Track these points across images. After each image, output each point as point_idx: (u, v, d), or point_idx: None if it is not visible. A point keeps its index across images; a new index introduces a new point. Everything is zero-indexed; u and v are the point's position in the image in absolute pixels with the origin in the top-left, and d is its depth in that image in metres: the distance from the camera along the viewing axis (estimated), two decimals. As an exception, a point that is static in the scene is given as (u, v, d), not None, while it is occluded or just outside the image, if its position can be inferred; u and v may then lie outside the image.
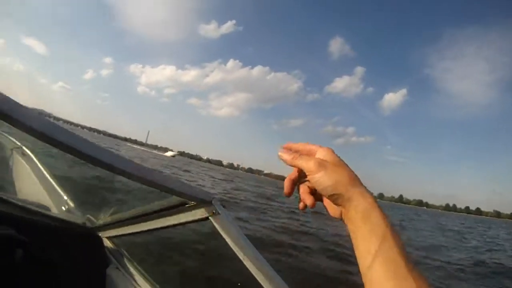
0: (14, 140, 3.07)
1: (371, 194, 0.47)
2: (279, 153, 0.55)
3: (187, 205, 1.08)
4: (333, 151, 0.52)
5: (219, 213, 1.01)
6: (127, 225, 1.46)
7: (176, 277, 3.77)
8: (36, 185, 2.32)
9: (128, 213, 1.43)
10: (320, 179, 0.48)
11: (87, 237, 1.55)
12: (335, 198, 0.47)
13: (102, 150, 0.72)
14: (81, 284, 1.30)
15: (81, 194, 5.00)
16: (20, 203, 1.50)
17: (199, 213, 1.06)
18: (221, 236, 1.03)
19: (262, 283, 0.95)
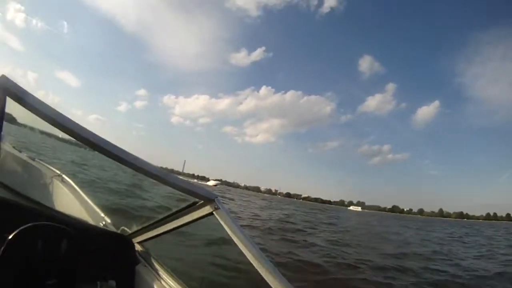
0: (54, 168, 3.50)
1: None
2: None
3: (196, 204, 1.36)
4: None
5: (220, 208, 1.28)
6: (152, 229, 1.76)
7: (194, 270, 4.14)
8: (76, 205, 2.69)
9: (152, 220, 1.74)
10: None
11: (120, 241, 1.87)
12: None
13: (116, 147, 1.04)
14: (114, 275, 1.57)
15: (117, 212, 5.58)
16: (64, 214, 1.84)
17: (206, 210, 1.33)
18: (222, 227, 1.28)
19: (252, 262, 1.17)
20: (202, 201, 1.33)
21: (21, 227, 1.28)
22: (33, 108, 0.98)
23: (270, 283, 1.13)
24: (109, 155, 1.10)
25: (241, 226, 1.29)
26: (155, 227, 1.73)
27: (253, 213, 16.69)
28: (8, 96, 1.04)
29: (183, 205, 1.47)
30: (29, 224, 1.31)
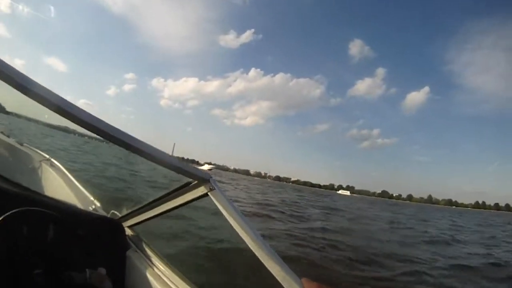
0: (42, 153, 3.43)
1: None
2: None
3: (190, 185, 1.29)
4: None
5: (215, 189, 1.20)
6: (143, 212, 1.68)
7: (187, 254, 4.13)
8: (65, 189, 2.62)
9: (143, 203, 1.66)
10: None
11: (110, 226, 1.80)
12: None
13: (113, 127, 0.95)
14: (104, 262, 1.48)
15: (106, 195, 5.53)
16: (51, 199, 1.76)
17: (200, 191, 1.25)
18: (218, 208, 1.21)
19: (249, 245, 1.11)
20: (196, 182, 1.25)
21: (5, 214, 1.19)
22: (19, 85, 0.87)
23: (266, 265, 1.07)
24: (100, 134, 1.00)
25: (241, 209, 1.22)
26: (147, 210, 1.65)
27: (263, 199, 16.89)
28: None
29: (176, 186, 1.39)
30: (13, 211, 1.22)
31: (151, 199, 1.59)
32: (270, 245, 1.13)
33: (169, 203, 1.47)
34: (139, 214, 1.73)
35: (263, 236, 1.15)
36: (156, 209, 1.58)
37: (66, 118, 0.93)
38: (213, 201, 1.23)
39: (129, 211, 1.80)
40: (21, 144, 3.61)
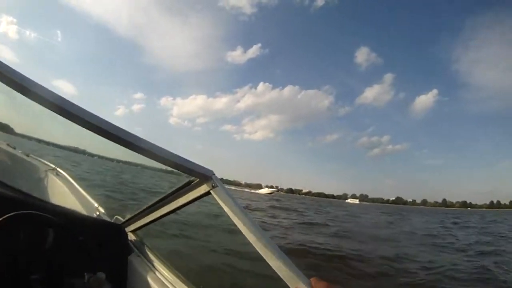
0: (48, 162, 3.46)
1: None
2: None
3: (192, 184, 1.23)
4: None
5: (217, 186, 1.14)
6: (146, 215, 1.64)
7: (192, 257, 4.00)
8: (70, 197, 2.62)
9: (145, 206, 1.62)
10: None
11: (112, 231, 1.76)
12: None
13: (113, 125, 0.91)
14: (105, 267, 1.43)
15: (110, 202, 5.49)
16: (53, 205, 1.73)
17: (203, 189, 1.19)
18: (221, 207, 1.15)
19: (254, 244, 1.04)
20: (198, 180, 1.19)
21: (3, 216, 1.16)
22: (31, 93, 0.86)
23: (272, 264, 1.00)
24: (99, 132, 0.97)
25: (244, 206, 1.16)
26: (149, 213, 1.60)
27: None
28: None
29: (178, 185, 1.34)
30: (10, 214, 1.18)
31: (153, 202, 1.54)
32: (276, 244, 1.06)
33: (171, 204, 1.41)
34: (141, 217, 1.68)
35: (268, 235, 1.09)
36: (158, 211, 1.53)
37: (67, 118, 0.91)
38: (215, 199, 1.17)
39: (132, 215, 1.76)
40: (27, 155, 3.65)
